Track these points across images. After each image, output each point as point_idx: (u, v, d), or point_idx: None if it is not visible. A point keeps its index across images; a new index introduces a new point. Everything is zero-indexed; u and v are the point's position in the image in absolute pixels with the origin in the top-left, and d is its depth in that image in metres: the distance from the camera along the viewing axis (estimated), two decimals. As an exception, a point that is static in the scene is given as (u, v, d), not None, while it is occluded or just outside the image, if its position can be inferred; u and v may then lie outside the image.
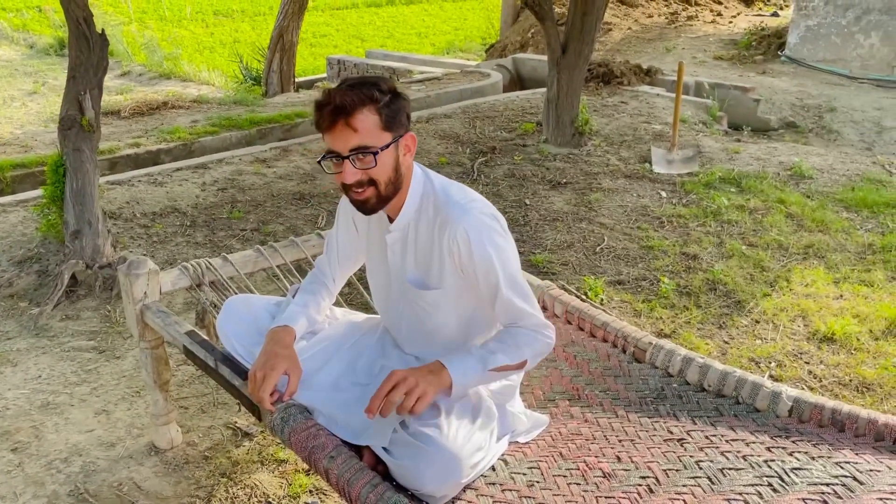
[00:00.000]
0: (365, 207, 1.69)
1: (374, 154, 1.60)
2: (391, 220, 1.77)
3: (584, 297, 3.43)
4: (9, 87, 10.57)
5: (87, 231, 3.63)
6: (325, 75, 10.62)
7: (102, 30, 3.85)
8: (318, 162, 1.69)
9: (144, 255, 3.87)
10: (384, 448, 1.61)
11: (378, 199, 1.67)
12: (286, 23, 8.86)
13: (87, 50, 3.77)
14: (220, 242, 4.03)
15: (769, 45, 9.94)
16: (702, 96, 7.45)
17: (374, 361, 1.91)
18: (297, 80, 9.66)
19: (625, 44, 10.54)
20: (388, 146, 1.62)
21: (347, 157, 1.61)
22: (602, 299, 3.44)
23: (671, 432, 1.83)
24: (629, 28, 11.36)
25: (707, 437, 1.80)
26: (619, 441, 1.82)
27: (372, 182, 1.64)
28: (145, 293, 2.21)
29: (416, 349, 1.88)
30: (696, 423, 1.87)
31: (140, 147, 5.52)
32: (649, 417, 1.91)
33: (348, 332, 1.98)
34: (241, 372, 1.91)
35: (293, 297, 1.96)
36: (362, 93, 1.59)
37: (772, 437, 1.77)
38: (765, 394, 1.89)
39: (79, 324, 3.23)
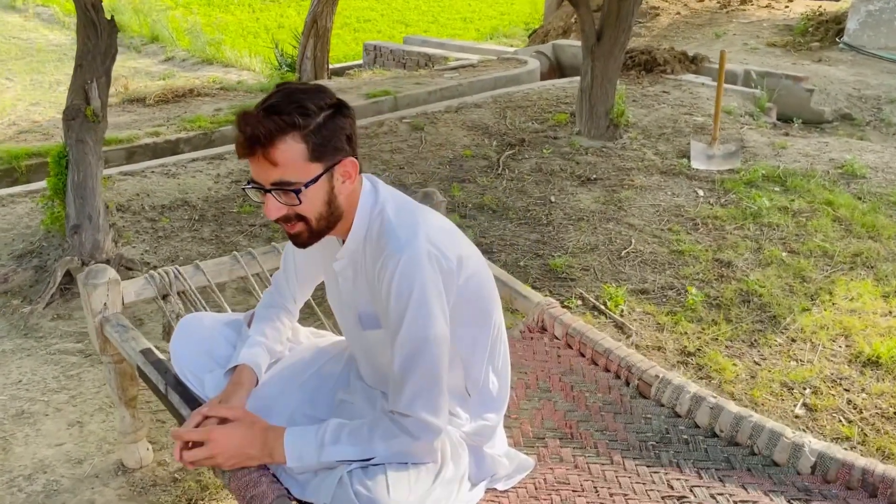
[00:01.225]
0: (297, 241, 1.47)
1: (297, 192, 1.37)
2: (344, 242, 1.54)
3: (602, 306, 3.18)
4: (56, 72, 10.68)
5: (88, 226, 3.50)
6: (361, 62, 10.43)
7: (112, 17, 3.72)
8: (243, 189, 1.45)
9: (147, 250, 3.74)
10: (326, 505, 1.41)
11: (310, 233, 1.44)
12: (320, 8, 8.67)
13: (94, 37, 3.64)
14: (226, 239, 3.88)
15: (826, 31, 9.38)
16: (750, 86, 7.03)
17: (336, 393, 1.71)
18: (331, 66, 9.50)
19: (672, 29, 10.09)
20: (315, 180, 1.38)
21: (269, 191, 1.38)
22: (622, 310, 3.17)
23: (671, 487, 1.59)
24: (677, 13, 10.88)
25: (713, 497, 1.54)
26: (611, 495, 1.58)
27: (300, 217, 1.41)
28: (105, 304, 2.04)
29: (376, 384, 1.66)
30: (701, 477, 1.62)
31: (159, 136, 5.41)
32: (648, 466, 1.66)
33: (311, 359, 1.77)
34: (191, 399, 1.72)
35: (248, 324, 1.76)
36: (283, 119, 1.33)
37: (789, 501, 1.51)
38: (784, 445, 1.63)
39: (69, 324, 3.11)
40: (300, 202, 1.38)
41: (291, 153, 1.35)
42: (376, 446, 1.42)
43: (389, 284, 1.39)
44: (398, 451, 1.43)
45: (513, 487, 1.66)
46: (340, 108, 1.40)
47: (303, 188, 1.37)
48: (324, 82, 8.45)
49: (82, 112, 3.59)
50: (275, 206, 1.39)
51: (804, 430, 2.47)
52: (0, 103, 8.80)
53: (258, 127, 1.32)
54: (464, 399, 1.63)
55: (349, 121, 1.41)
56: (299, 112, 1.34)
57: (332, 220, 1.45)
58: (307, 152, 1.36)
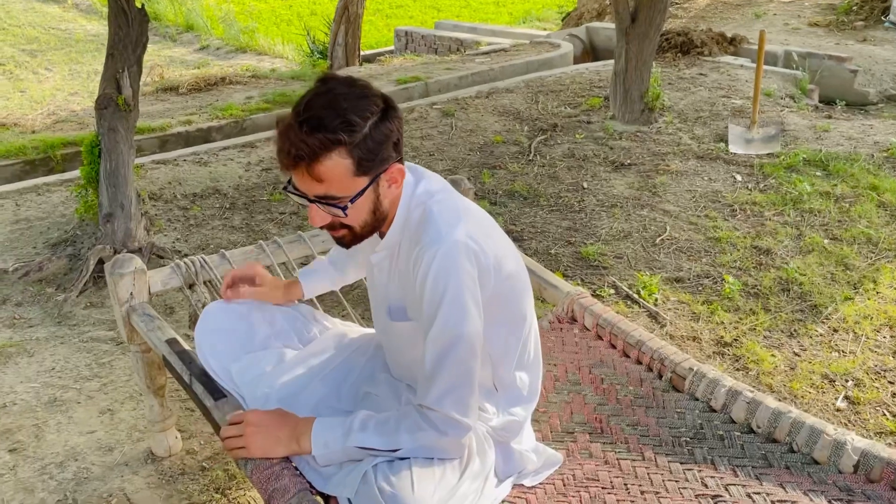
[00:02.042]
0: (341, 244, 1.44)
1: (343, 208, 1.32)
2: (383, 235, 1.50)
3: (636, 295, 3.11)
4: (94, 62, 10.82)
5: (120, 214, 3.53)
6: (392, 48, 10.38)
7: (142, 5, 3.72)
8: (283, 189, 1.40)
9: (178, 238, 3.76)
10: (349, 500, 1.38)
11: (354, 237, 1.41)
12: (351, -6, 8.64)
13: (125, 26, 3.65)
14: (256, 227, 3.88)
15: (872, 9, 9.06)
16: (791, 67, 6.83)
17: (361, 386, 1.68)
18: (363, 53, 9.47)
19: (710, 10, 9.85)
20: (362, 193, 1.32)
21: (313, 202, 1.34)
22: (656, 299, 3.10)
23: (705, 485, 1.53)
24: (716, -7, 10.61)
25: (749, 496, 1.48)
26: (642, 493, 1.53)
27: (345, 226, 1.38)
28: (132, 294, 2.04)
29: (401, 377, 1.63)
30: (737, 475, 1.55)
31: (191, 124, 5.44)
32: (681, 463, 1.61)
33: (336, 351, 1.75)
34: (215, 390, 1.70)
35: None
36: (327, 137, 1.25)
37: (830, 501, 1.44)
38: (825, 442, 1.56)
39: (102, 312, 3.13)
40: (345, 215, 1.34)
41: (338, 170, 1.28)
42: (402, 438, 1.38)
43: (425, 277, 1.33)
44: (424, 445, 1.39)
45: (540, 483, 1.61)
46: (387, 112, 1.32)
47: (349, 203, 1.32)
48: (354, 69, 8.43)
49: (114, 101, 3.61)
50: (319, 216, 1.36)
51: (846, 424, 2.39)
52: (39, 93, 8.96)
53: (301, 146, 1.26)
54: (491, 394, 1.59)
55: (397, 123, 1.34)
56: (344, 127, 1.26)
57: (377, 225, 1.42)
58: (353, 167, 1.29)
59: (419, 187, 1.44)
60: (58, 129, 5.61)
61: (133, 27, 3.64)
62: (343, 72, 8.20)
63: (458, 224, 1.36)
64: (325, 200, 1.33)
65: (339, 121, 1.27)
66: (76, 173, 4.35)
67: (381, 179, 1.36)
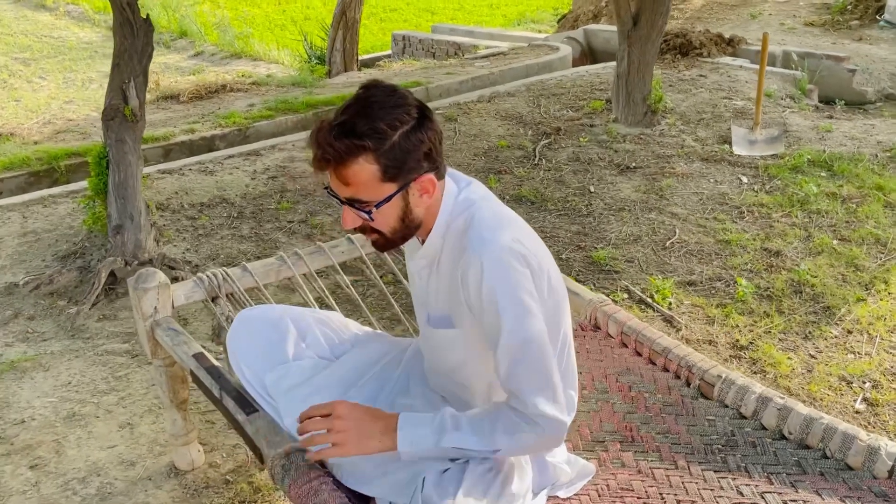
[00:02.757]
0: (375, 247, 1.46)
1: (369, 212, 1.35)
2: (423, 242, 1.51)
3: (650, 300, 3.12)
4: (88, 70, 10.79)
5: (129, 225, 3.51)
6: (390, 52, 10.38)
7: (147, 15, 3.72)
8: (325, 188, 1.43)
9: (188, 249, 3.75)
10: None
11: (387, 242, 1.43)
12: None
13: (131, 36, 3.64)
14: (265, 236, 3.87)
15: (866, 8, 9.11)
16: (790, 67, 6.86)
17: (396, 398, 1.68)
18: (361, 58, 9.47)
19: (706, 11, 9.88)
20: (388, 199, 1.34)
21: (344, 203, 1.37)
22: (670, 303, 3.11)
23: (741, 493, 1.53)
24: (711, -6, 10.65)
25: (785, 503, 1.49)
26: (678, 502, 1.54)
27: (375, 230, 1.40)
28: (156, 308, 2.04)
29: (437, 387, 1.63)
30: (772, 482, 1.56)
31: (195, 133, 5.43)
32: (715, 472, 1.61)
33: (370, 362, 1.74)
34: (246, 404, 1.70)
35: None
36: (354, 142, 1.28)
37: (867, 508, 1.45)
38: (859, 448, 1.56)
39: (115, 324, 3.12)
40: (372, 219, 1.37)
41: (364, 174, 1.31)
42: (499, 439, 1.38)
43: (478, 287, 1.34)
44: (524, 445, 1.41)
45: (575, 495, 1.62)
46: (422, 122, 1.34)
47: (374, 208, 1.35)
48: (353, 74, 8.43)
49: (121, 112, 3.60)
50: (350, 218, 1.39)
51: (866, 427, 2.40)
52: (35, 102, 8.91)
53: (328, 149, 1.29)
54: None
55: (430, 134, 1.35)
56: (372, 134, 1.29)
57: (408, 232, 1.42)
58: (380, 173, 1.32)
59: (461, 195, 1.45)
60: (59, 139, 5.59)
61: (139, 37, 3.63)
62: (340, 78, 8.20)
63: (502, 229, 1.37)
64: (353, 203, 1.36)
65: (368, 127, 1.30)
66: (82, 184, 4.34)
67: (410, 188, 1.37)
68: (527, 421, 1.37)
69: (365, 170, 1.31)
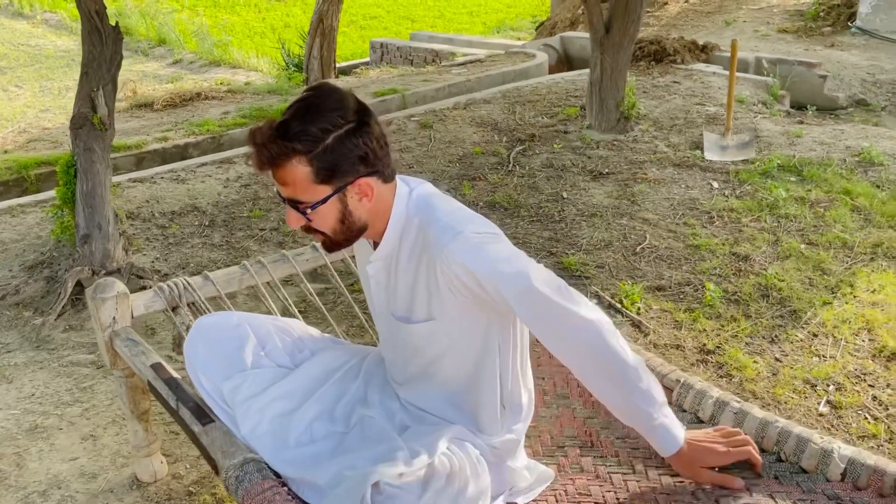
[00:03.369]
0: (324, 247, 1.49)
1: (305, 212, 1.38)
2: (377, 245, 1.52)
3: (619, 305, 3.13)
4: (65, 78, 10.71)
5: (97, 235, 3.48)
6: (368, 60, 10.39)
7: (116, 23, 3.69)
8: (275, 190, 1.47)
9: (158, 258, 3.72)
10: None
11: (332, 243, 1.46)
12: (325, 7, 8.64)
13: (99, 44, 3.61)
14: (237, 244, 3.85)
15: (838, 15, 9.25)
16: (762, 74, 6.93)
17: (354, 408, 1.67)
18: (339, 65, 9.47)
19: (681, 18, 9.98)
20: (324, 201, 1.37)
21: (286, 202, 1.41)
22: (639, 308, 3.12)
23: (697, 497, 1.54)
24: (686, 0, 10.76)
25: (740, 507, 1.49)
26: (634, 506, 1.54)
27: (319, 231, 1.43)
28: (114, 318, 2.01)
29: (413, 392, 1.63)
30: (727, 488, 1.56)
31: (167, 141, 5.40)
32: (672, 476, 1.62)
33: (332, 368, 1.74)
34: (203, 415, 1.69)
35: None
36: (286, 144, 1.32)
37: (819, 511, 1.46)
38: (813, 451, 1.57)
39: (81, 335, 3.09)
40: (310, 220, 1.40)
41: (297, 175, 1.35)
42: (623, 355, 1.42)
43: (469, 272, 1.37)
44: (620, 347, 1.43)
45: (533, 500, 1.62)
46: (360, 127, 1.36)
47: (309, 209, 1.38)
48: (331, 82, 8.42)
49: (89, 120, 3.57)
50: (293, 218, 1.42)
51: (829, 429, 2.42)
52: (10, 110, 8.83)
53: (263, 149, 1.33)
54: (498, 413, 1.60)
55: (367, 139, 1.37)
56: (304, 137, 1.32)
57: (351, 234, 1.45)
58: (313, 175, 1.35)
59: (413, 195, 1.48)
60: (31, 148, 5.54)
61: (107, 45, 3.60)
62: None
63: (464, 221, 1.42)
64: (292, 203, 1.40)
65: (300, 130, 1.33)
66: (51, 194, 4.29)
67: (347, 191, 1.40)
68: (584, 330, 1.39)
69: (298, 170, 1.34)
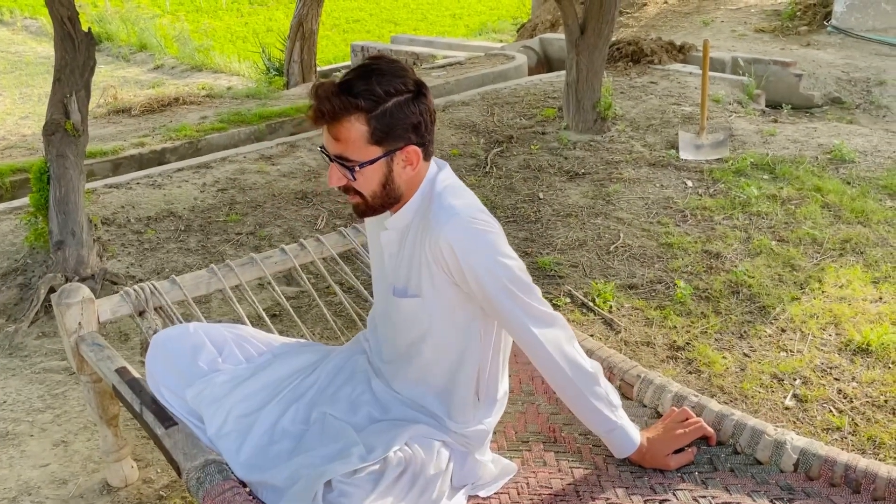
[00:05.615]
0: (356, 211, 1.53)
1: (352, 170, 1.42)
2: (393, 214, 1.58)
3: (591, 303, 3.16)
4: (45, 85, 10.62)
5: (71, 241, 3.47)
6: (349, 63, 10.39)
7: (89, 28, 3.69)
8: (319, 148, 1.51)
9: (133, 263, 3.71)
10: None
11: (367, 207, 1.50)
12: (305, 10, 8.64)
13: (72, 50, 3.61)
14: (212, 248, 3.85)
15: (814, 14, 9.34)
16: (738, 73, 7.00)
17: (313, 406, 1.68)
18: (319, 69, 9.46)
19: (660, 19, 10.05)
20: (372, 162, 1.41)
21: (332, 161, 1.44)
22: (611, 306, 3.15)
23: (654, 491, 1.57)
24: (665, 2, 10.84)
25: (695, 500, 1.53)
26: (593, 499, 1.57)
27: (358, 193, 1.47)
28: (80, 324, 2.02)
29: (394, 369, 1.66)
30: (684, 480, 1.59)
31: (145, 147, 5.38)
32: (631, 472, 1.64)
33: (295, 369, 1.75)
34: (166, 418, 1.70)
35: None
36: (350, 100, 1.36)
37: (772, 501, 1.49)
38: (766, 443, 1.60)
39: (54, 342, 3.08)
40: (354, 179, 1.43)
41: (353, 132, 1.39)
42: (581, 361, 1.58)
43: (453, 254, 1.43)
44: (572, 350, 1.57)
45: (495, 493, 1.64)
46: (417, 97, 1.42)
47: (357, 167, 1.41)
48: (310, 85, 8.41)
49: (62, 126, 3.56)
50: (335, 176, 1.46)
51: (794, 422, 2.45)
52: (-11, 118, 8.77)
53: (325, 102, 1.37)
54: (472, 403, 1.63)
55: (423, 108, 1.43)
56: (367, 95, 1.37)
57: (388, 200, 1.49)
58: (368, 134, 1.39)
59: (438, 178, 1.52)
60: (6, 155, 5.51)
61: (80, 51, 3.60)
62: (297, 89, 8.18)
63: (468, 208, 1.47)
64: (339, 160, 1.43)
65: (364, 88, 1.38)
66: (25, 201, 4.27)
67: (395, 156, 1.44)
68: (553, 327, 1.54)
69: (355, 128, 1.38)
